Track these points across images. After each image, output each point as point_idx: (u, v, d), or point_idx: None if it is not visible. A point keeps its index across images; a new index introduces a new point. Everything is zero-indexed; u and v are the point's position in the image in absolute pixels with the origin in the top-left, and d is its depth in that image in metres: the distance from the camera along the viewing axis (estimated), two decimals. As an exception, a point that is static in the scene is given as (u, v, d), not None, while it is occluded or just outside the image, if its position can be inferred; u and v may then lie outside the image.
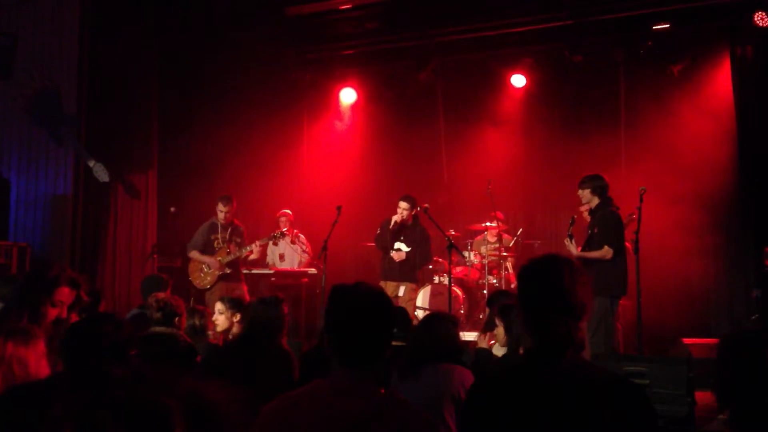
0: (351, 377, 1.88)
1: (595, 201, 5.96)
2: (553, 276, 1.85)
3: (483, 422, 1.81)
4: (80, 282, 3.19)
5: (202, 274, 7.19)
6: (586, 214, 7.41)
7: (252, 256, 7.44)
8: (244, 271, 7.58)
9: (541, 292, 1.87)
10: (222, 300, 4.80)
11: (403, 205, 7.17)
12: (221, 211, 7.16)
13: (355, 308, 1.91)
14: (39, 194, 7.37)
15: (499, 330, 3.96)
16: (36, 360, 2.32)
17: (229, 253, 7.13)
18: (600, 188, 5.93)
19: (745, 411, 1.89)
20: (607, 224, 5.78)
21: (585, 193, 6.02)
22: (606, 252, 5.70)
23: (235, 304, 4.70)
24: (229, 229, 7.24)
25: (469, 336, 6.62)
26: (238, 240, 7.28)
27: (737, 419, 1.92)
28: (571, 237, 5.88)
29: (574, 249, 5.82)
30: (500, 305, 4.06)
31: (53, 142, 7.40)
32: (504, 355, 3.91)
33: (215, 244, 7.19)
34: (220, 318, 4.69)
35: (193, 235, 7.35)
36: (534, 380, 1.79)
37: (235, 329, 4.68)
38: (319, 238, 6.87)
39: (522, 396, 1.78)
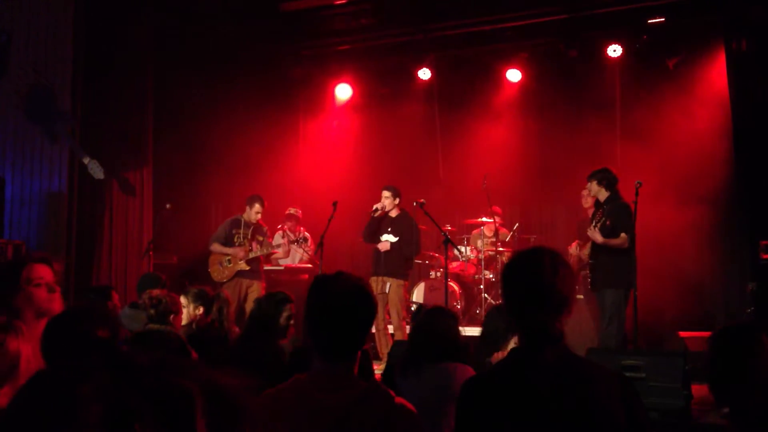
0: (331, 371, 1.87)
1: (604, 193, 6.00)
2: (533, 269, 1.84)
3: (473, 420, 1.81)
4: (48, 258, 2.98)
5: (221, 267, 7.21)
6: (585, 206, 7.44)
7: (276, 256, 7.44)
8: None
9: (521, 285, 1.86)
10: (186, 293, 4.66)
11: (385, 193, 7.13)
12: (257, 212, 7.25)
13: (332, 300, 1.87)
14: (34, 191, 7.34)
15: None
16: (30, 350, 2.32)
17: (251, 250, 7.14)
18: (607, 180, 5.99)
19: (738, 403, 1.89)
20: (622, 214, 5.80)
21: (592, 185, 6.08)
22: (624, 240, 5.74)
23: (198, 297, 4.62)
24: (252, 227, 7.30)
25: (466, 331, 6.61)
26: (260, 239, 7.29)
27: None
28: (595, 225, 5.86)
29: (599, 236, 5.80)
30: None
31: (48, 138, 7.36)
32: None
33: (235, 239, 7.23)
34: (183, 311, 4.54)
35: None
36: (519, 375, 1.78)
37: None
38: (316, 233, 6.85)
39: (508, 392, 1.77)
